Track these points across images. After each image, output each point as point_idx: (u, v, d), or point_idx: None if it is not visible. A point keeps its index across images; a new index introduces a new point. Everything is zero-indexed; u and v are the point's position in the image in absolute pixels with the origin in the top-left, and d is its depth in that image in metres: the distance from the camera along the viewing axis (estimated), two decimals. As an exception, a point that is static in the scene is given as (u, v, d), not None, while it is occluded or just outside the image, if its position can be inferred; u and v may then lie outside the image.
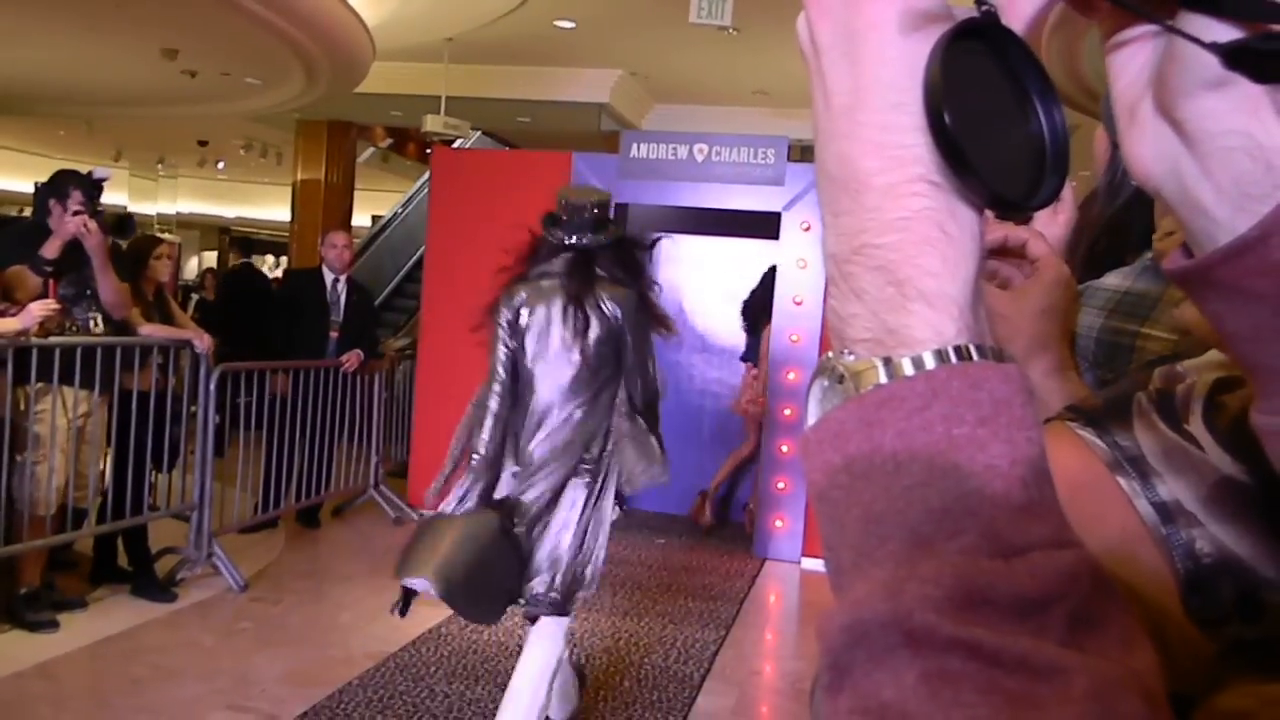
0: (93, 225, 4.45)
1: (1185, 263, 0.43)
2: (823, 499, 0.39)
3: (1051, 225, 1.35)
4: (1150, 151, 0.43)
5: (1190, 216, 0.42)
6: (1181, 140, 0.41)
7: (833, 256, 0.42)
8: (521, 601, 3.26)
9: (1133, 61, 0.44)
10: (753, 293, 7.06)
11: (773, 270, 6.79)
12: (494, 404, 3.36)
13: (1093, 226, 1.45)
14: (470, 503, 3.28)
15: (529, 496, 3.30)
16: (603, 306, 3.29)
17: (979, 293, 0.40)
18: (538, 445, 3.34)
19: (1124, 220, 1.39)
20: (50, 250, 4.44)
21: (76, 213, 4.44)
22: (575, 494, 3.33)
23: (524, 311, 3.34)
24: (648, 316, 3.41)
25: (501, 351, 3.38)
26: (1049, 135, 0.41)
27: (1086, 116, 6.97)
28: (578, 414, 3.34)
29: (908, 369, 0.38)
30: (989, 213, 0.41)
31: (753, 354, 7.04)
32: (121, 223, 5.31)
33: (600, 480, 3.39)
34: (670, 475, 3.50)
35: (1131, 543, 0.57)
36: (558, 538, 3.27)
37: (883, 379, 0.39)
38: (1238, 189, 0.40)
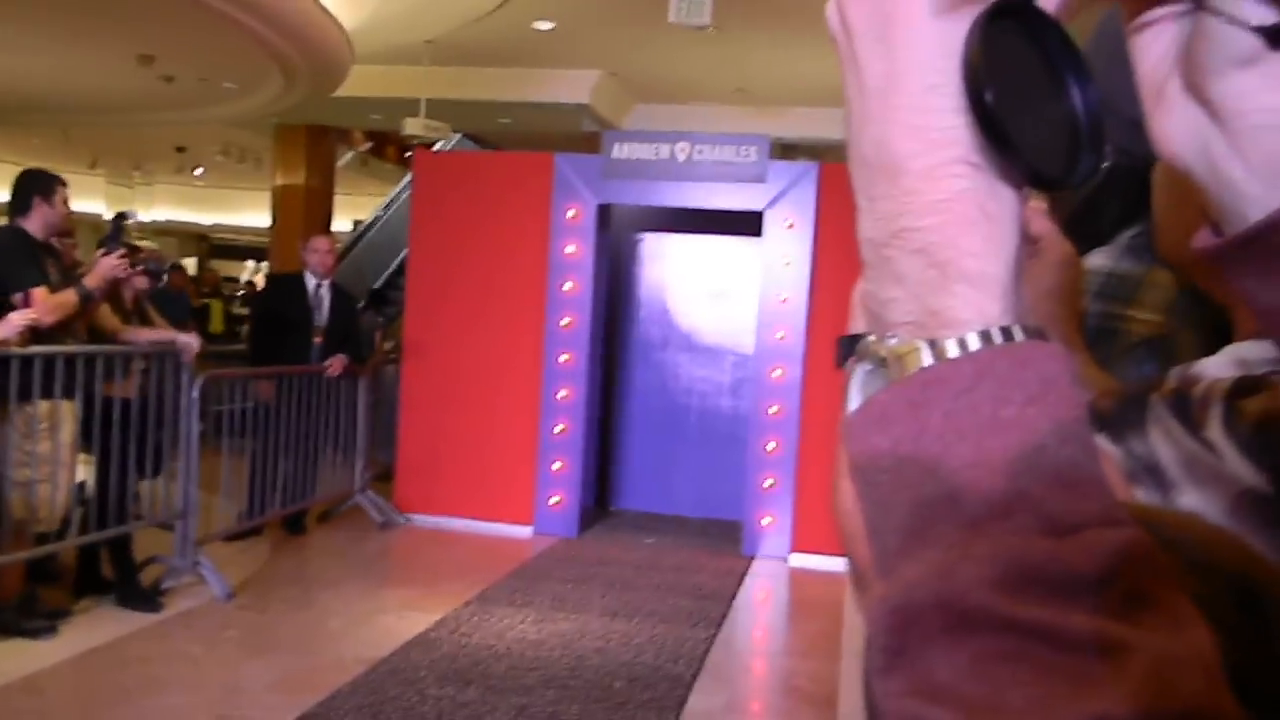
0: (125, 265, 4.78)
1: (1217, 240, 0.43)
2: (867, 482, 0.39)
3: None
4: (1179, 130, 0.43)
5: (1221, 194, 0.42)
6: (1211, 119, 0.42)
7: (869, 241, 0.41)
8: None
9: (1158, 41, 0.44)
10: None
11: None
12: None
13: (1068, 204, 1.44)
14: None
15: None
16: None
17: (1020, 273, 0.40)
18: None
19: (1100, 197, 1.37)
20: (92, 281, 4.58)
21: (122, 256, 4.71)
22: None
23: None
24: None
25: None
26: (1084, 112, 0.41)
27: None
28: None
29: (953, 350, 0.38)
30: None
31: None
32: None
33: None
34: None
35: None
36: None
37: (927, 361, 0.38)
38: (1269, 166, 0.40)
